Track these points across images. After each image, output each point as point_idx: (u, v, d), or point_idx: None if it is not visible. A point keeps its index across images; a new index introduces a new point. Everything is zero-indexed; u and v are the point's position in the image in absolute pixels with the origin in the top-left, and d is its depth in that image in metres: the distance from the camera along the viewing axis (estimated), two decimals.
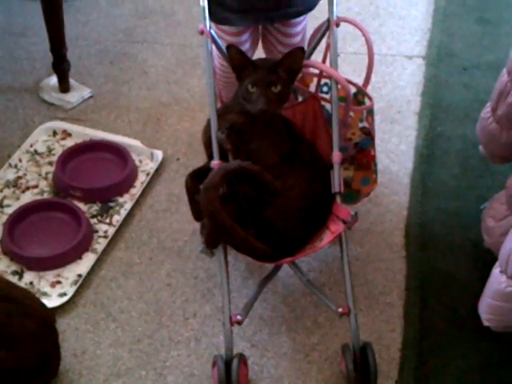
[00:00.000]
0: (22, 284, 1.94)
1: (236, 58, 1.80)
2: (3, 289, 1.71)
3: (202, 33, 1.83)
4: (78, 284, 1.96)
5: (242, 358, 1.71)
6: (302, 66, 1.82)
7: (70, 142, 2.37)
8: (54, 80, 2.57)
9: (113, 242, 2.09)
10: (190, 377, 1.79)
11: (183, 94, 2.45)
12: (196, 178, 1.88)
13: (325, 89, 1.95)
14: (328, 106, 1.88)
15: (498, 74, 1.83)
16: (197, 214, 1.90)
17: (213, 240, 1.89)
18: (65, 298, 1.93)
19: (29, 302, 1.73)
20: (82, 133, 2.38)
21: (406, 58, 2.75)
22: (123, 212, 2.16)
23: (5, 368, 1.64)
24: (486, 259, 1.91)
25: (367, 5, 3.02)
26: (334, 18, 1.85)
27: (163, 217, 2.17)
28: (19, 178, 2.26)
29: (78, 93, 2.56)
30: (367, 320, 1.89)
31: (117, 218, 2.14)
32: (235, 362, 1.65)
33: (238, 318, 1.69)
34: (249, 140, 1.79)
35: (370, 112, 1.92)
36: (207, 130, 1.83)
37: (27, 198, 2.19)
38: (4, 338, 1.64)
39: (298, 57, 1.79)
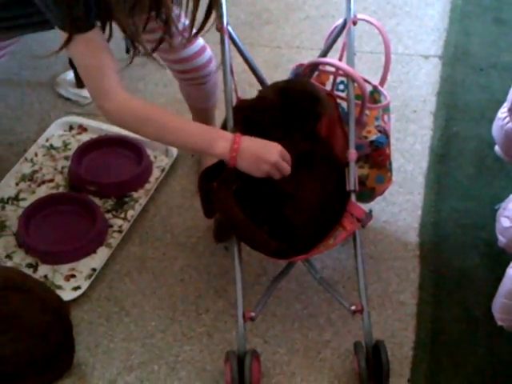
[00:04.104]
0: (36, 277, 1.95)
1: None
2: (19, 280, 1.72)
3: (219, 29, 1.83)
4: (92, 278, 1.96)
5: (255, 354, 1.71)
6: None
7: (85, 137, 2.38)
8: (70, 75, 2.58)
9: (127, 237, 2.09)
10: (203, 372, 1.79)
11: None
12: (208, 177, 1.88)
13: (341, 87, 1.95)
14: (344, 104, 1.88)
15: None
16: (208, 212, 1.91)
17: (220, 234, 1.89)
18: (79, 292, 1.93)
19: (44, 293, 1.74)
20: (98, 128, 2.39)
21: (422, 58, 2.74)
22: (138, 207, 2.16)
23: (20, 358, 1.65)
24: (501, 259, 1.90)
25: (384, 4, 3.02)
26: (351, 16, 1.85)
27: (177, 213, 2.18)
28: (35, 172, 2.27)
29: None
30: (380, 318, 1.89)
31: (131, 213, 2.15)
32: (248, 358, 1.66)
33: (252, 314, 1.69)
34: (264, 137, 1.79)
35: (386, 110, 1.92)
36: (224, 126, 1.83)
37: (43, 191, 2.21)
38: (19, 329, 1.66)
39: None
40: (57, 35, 1.69)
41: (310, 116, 1.78)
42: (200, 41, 2.01)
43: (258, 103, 1.78)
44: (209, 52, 2.04)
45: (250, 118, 1.76)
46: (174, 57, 2.00)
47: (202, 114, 2.27)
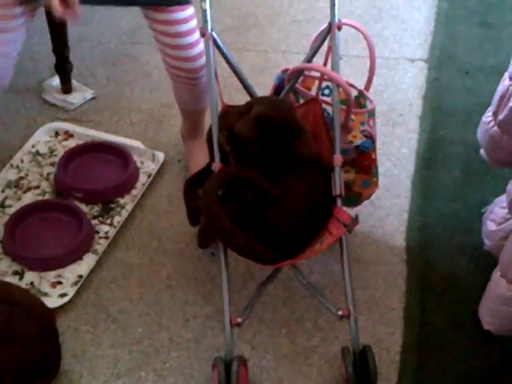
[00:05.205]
0: (22, 284, 1.95)
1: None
2: (3, 292, 1.71)
3: (203, 35, 1.83)
4: (79, 285, 1.96)
5: (242, 360, 1.71)
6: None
7: (71, 143, 2.37)
8: (56, 81, 2.57)
9: (114, 243, 2.09)
10: (190, 378, 1.79)
11: None
12: (195, 183, 1.88)
13: (326, 92, 1.96)
14: (329, 108, 1.88)
15: (500, 77, 1.82)
16: (193, 219, 1.90)
17: (204, 240, 1.89)
18: (65, 299, 1.93)
19: (29, 302, 1.73)
20: (84, 134, 2.38)
21: (408, 61, 2.75)
22: (124, 213, 2.16)
23: (5, 368, 1.64)
24: (487, 263, 1.91)
25: (370, 8, 3.02)
26: (336, 21, 1.85)
27: (164, 218, 2.17)
28: (21, 178, 2.26)
29: (81, 94, 2.57)
30: (367, 323, 1.89)
31: (118, 219, 2.14)
32: (235, 364, 1.65)
33: (239, 320, 1.69)
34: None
35: (372, 115, 1.93)
36: (210, 132, 1.83)
37: (28, 198, 2.20)
38: (4, 339, 1.64)
39: None
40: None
41: (287, 150, 1.78)
42: (196, 34, 1.99)
43: (235, 134, 1.77)
44: (201, 46, 2.01)
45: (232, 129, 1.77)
46: (171, 41, 1.98)
47: (193, 118, 2.26)
